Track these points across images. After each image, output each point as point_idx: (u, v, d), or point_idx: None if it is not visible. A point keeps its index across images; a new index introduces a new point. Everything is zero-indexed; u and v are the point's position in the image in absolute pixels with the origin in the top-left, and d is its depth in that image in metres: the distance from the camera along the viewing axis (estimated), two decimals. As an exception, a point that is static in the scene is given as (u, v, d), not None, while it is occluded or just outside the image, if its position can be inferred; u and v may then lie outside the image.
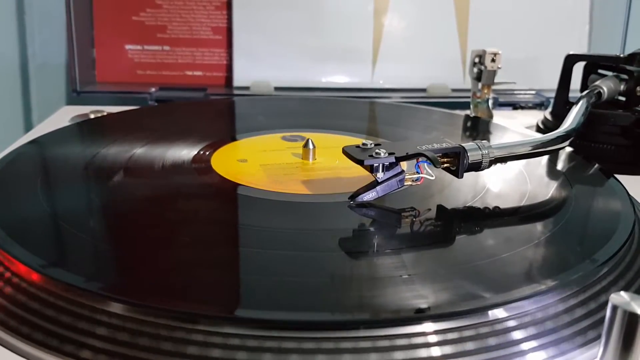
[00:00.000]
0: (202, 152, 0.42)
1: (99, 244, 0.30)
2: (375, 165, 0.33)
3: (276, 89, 0.69)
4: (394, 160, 0.33)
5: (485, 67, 0.54)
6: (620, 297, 0.20)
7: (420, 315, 0.23)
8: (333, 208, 0.34)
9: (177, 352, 0.22)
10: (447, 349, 0.23)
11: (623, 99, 0.48)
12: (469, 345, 0.23)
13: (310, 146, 0.41)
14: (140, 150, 0.41)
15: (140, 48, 0.71)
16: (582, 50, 0.72)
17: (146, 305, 0.23)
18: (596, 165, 0.41)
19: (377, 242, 0.31)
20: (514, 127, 0.51)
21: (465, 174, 0.34)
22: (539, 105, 0.68)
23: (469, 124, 0.53)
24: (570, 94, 0.52)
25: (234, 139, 0.45)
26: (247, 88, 0.70)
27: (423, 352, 0.22)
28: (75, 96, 0.68)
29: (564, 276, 0.26)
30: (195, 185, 0.38)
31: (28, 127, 0.72)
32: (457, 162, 0.34)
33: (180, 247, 0.29)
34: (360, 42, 0.71)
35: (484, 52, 0.54)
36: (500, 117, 0.57)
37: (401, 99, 0.68)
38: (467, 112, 0.57)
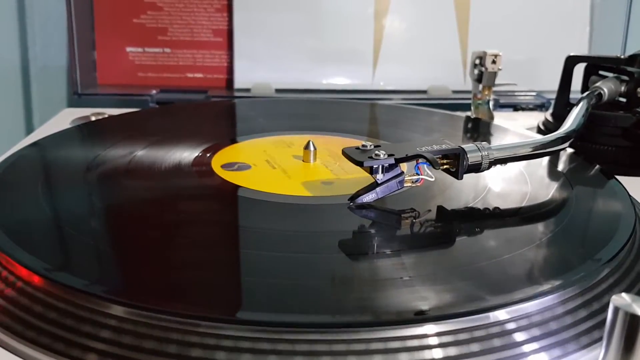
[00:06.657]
0: (203, 154, 0.42)
1: (100, 247, 0.30)
2: (374, 166, 0.33)
3: (277, 90, 0.69)
4: (393, 162, 0.33)
5: (486, 68, 0.54)
6: (622, 299, 0.20)
7: (421, 317, 0.23)
8: (333, 210, 0.34)
9: (198, 355, 0.22)
10: (448, 351, 0.23)
11: (624, 100, 0.48)
12: (471, 347, 0.23)
13: (311, 148, 0.41)
14: (141, 153, 0.41)
15: (141, 50, 0.71)
16: (583, 51, 0.72)
17: (149, 308, 0.23)
18: (597, 167, 0.41)
19: (377, 243, 0.31)
20: (515, 129, 0.51)
21: (465, 176, 0.34)
22: (540, 107, 0.68)
23: (469, 125, 0.53)
24: (571, 95, 0.52)
25: (234, 141, 0.45)
26: (247, 90, 0.70)
27: (424, 355, 0.22)
28: (76, 98, 0.68)
29: (565, 277, 0.26)
30: (196, 187, 0.38)
31: (29, 129, 0.72)
32: (456, 164, 0.34)
33: (182, 249, 0.29)
34: (360, 43, 0.71)
35: (485, 53, 0.54)
36: (501, 119, 0.57)
37: (402, 100, 0.68)
38: (468, 113, 0.57)
